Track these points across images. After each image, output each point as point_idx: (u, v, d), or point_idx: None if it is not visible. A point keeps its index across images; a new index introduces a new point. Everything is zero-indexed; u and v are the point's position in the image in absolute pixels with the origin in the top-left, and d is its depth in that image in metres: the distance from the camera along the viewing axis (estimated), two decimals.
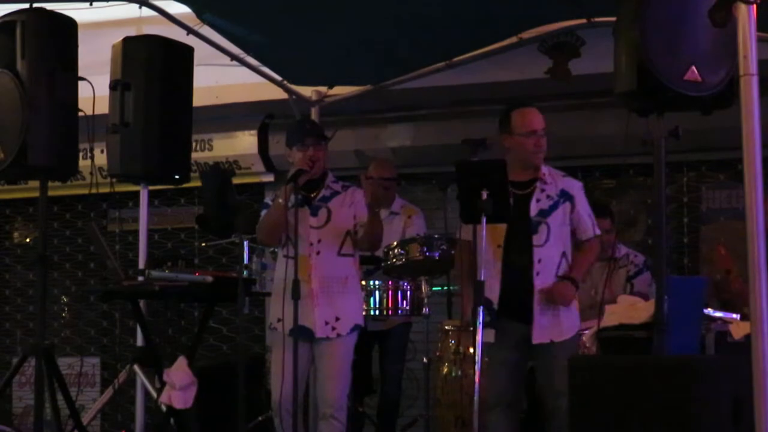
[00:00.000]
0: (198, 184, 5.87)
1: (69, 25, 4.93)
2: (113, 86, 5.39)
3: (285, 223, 4.78)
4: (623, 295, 4.56)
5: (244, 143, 7.84)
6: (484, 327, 4.61)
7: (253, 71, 6.35)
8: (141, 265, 5.64)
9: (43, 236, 5.01)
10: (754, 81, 3.01)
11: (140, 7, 5.62)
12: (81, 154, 5.05)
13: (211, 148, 7.85)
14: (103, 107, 5.17)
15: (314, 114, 6.72)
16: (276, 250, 5.12)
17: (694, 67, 3.63)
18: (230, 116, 7.65)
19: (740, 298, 4.74)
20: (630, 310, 3.96)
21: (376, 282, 5.63)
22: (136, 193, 5.95)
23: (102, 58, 5.53)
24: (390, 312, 5.70)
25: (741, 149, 3.01)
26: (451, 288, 5.93)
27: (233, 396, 4.68)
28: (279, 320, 4.85)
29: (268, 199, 5.19)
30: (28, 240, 9.13)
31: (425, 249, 5.50)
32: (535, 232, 4.60)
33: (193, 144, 6.66)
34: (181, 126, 5.62)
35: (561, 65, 6.54)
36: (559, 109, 6.49)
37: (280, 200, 4.79)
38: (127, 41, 5.46)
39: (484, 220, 4.34)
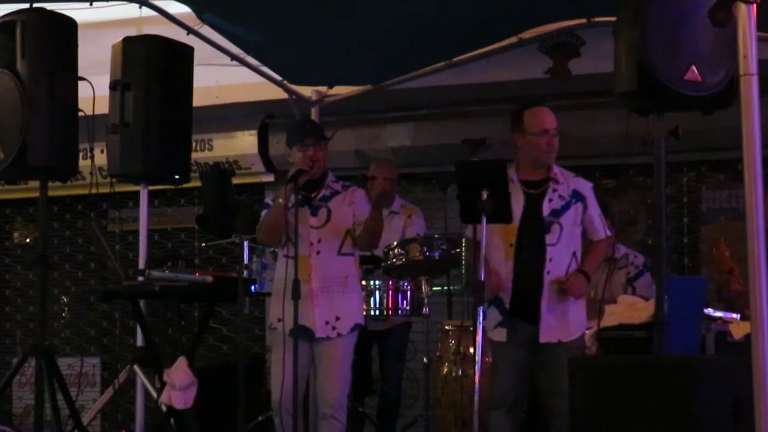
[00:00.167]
0: (198, 184, 5.86)
1: (69, 25, 4.92)
2: (113, 86, 5.39)
3: (285, 223, 4.78)
4: (623, 296, 4.57)
5: (244, 143, 7.83)
6: (495, 326, 4.63)
7: (253, 71, 6.34)
8: (141, 265, 5.64)
9: (43, 236, 5.00)
10: (754, 81, 3.01)
11: (140, 7, 5.62)
12: (81, 154, 5.05)
13: (211, 148, 7.84)
14: (103, 107, 5.16)
15: (314, 114, 6.71)
16: (276, 250, 5.11)
17: (694, 67, 3.63)
18: (230, 116, 7.64)
19: (741, 299, 4.74)
20: (630, 310, 3.96)
21: (376, 282, 5.63)
22: (136, 193, 5.95)
23: (102, 58, 5.52)
24: (390, 312, 5.69)
25: (741, 149, 3.01)
26: (451, 288, 5.93)
27: (233, 396, 4.68)
28: (279, 320, 4.84)
29: (268, 199, 5.20)
30: (28, 240, 9.12)
31: (425, 249, 5.50)
32: (547, 232, 4.61)
33: (193, 144, 6.65)
34: (181, 126, 5.61)
35: (561, 65, 6.53)
36: (559, 109, 6.45)
37: (280, 200, 4.79)
38: (127, 41, 5.46)
39: (484, 220, 4.35)
